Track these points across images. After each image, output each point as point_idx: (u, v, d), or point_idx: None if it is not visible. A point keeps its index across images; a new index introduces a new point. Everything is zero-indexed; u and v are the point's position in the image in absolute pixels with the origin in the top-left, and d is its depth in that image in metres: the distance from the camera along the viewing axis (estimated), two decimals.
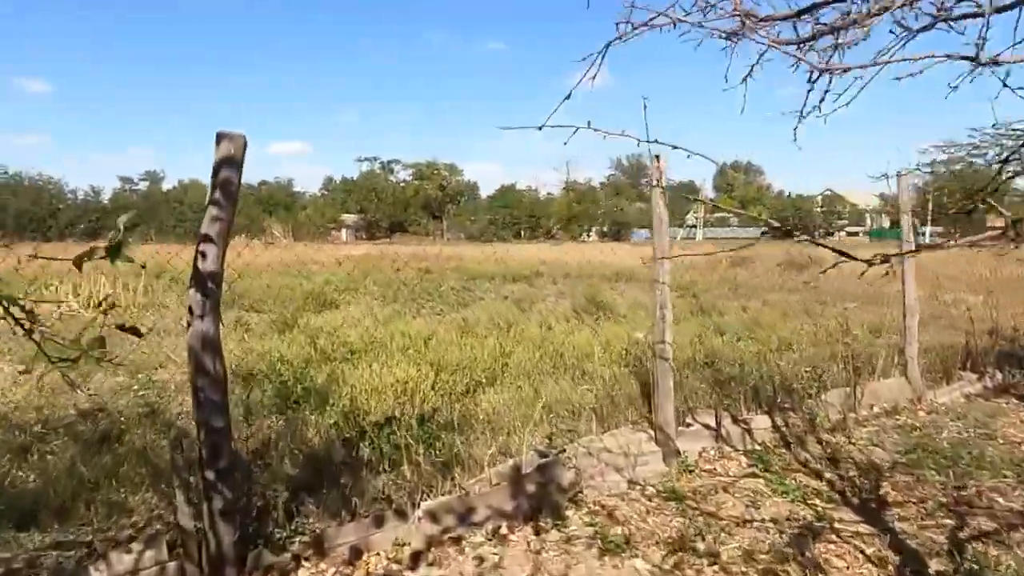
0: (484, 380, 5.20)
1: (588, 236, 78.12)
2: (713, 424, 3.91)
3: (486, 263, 17.28)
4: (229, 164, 2.37)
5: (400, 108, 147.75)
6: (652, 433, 3.68)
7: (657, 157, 3.60)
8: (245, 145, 2.41)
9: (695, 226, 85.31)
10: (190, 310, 2.35)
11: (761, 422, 4.11)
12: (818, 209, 75.78)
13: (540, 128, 1.81)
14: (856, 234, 72.32)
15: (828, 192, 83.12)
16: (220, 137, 2.37)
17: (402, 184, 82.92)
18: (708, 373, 5.34)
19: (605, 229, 78.98)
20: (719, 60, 2.10)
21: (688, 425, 3.86)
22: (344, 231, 73.94)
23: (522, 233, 73.57)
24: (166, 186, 77.84)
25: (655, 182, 3.55)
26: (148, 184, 78.26)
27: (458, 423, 4.16)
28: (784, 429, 4.10)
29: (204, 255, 2.33)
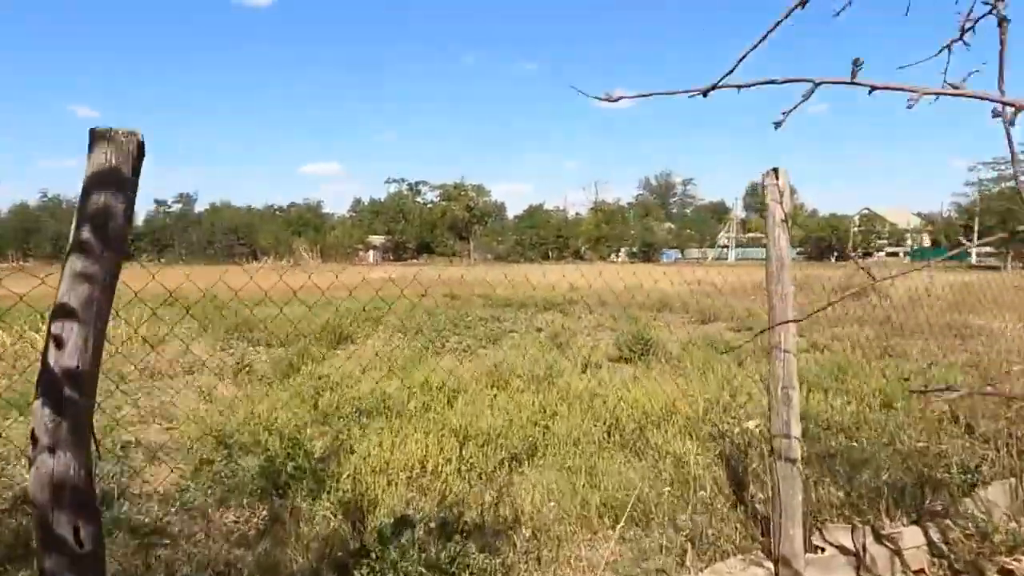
0: (521, 452, 4.14)
1: (617, 256, 76.73)
2: (850, 545, 2.77)
3: (516, 287, 16.19)
4: (108, 183, 1.37)
5: (432, 129, 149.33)
6: (770, 567, 2.56)
7: (775, 171, 2.54)
8: (140, 151, 1.41)
9: (727, 246, 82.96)
10: (32, 436, 1.35)
11: (911, 537, 2.95)
12: (855, 229, 73.20)
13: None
14: (896, 254, 69.48)
15: (866, 211, 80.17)
16: (95, 138, 1.38)
17: (429, 205, 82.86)
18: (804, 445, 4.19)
19: (634, 249, 77.50)
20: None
21: (817, 549, 2.73)
22: (371, 252, 73.94)
23: (549, 253, 72.63)
24: (199, 208, 79.40)
25: (776, 204, 2.48)
26: (181, 206, 79.74)
27: (490, 527, 3.11)
28: (944, 547, 2.94)
29: (59, 342, 1.34)
